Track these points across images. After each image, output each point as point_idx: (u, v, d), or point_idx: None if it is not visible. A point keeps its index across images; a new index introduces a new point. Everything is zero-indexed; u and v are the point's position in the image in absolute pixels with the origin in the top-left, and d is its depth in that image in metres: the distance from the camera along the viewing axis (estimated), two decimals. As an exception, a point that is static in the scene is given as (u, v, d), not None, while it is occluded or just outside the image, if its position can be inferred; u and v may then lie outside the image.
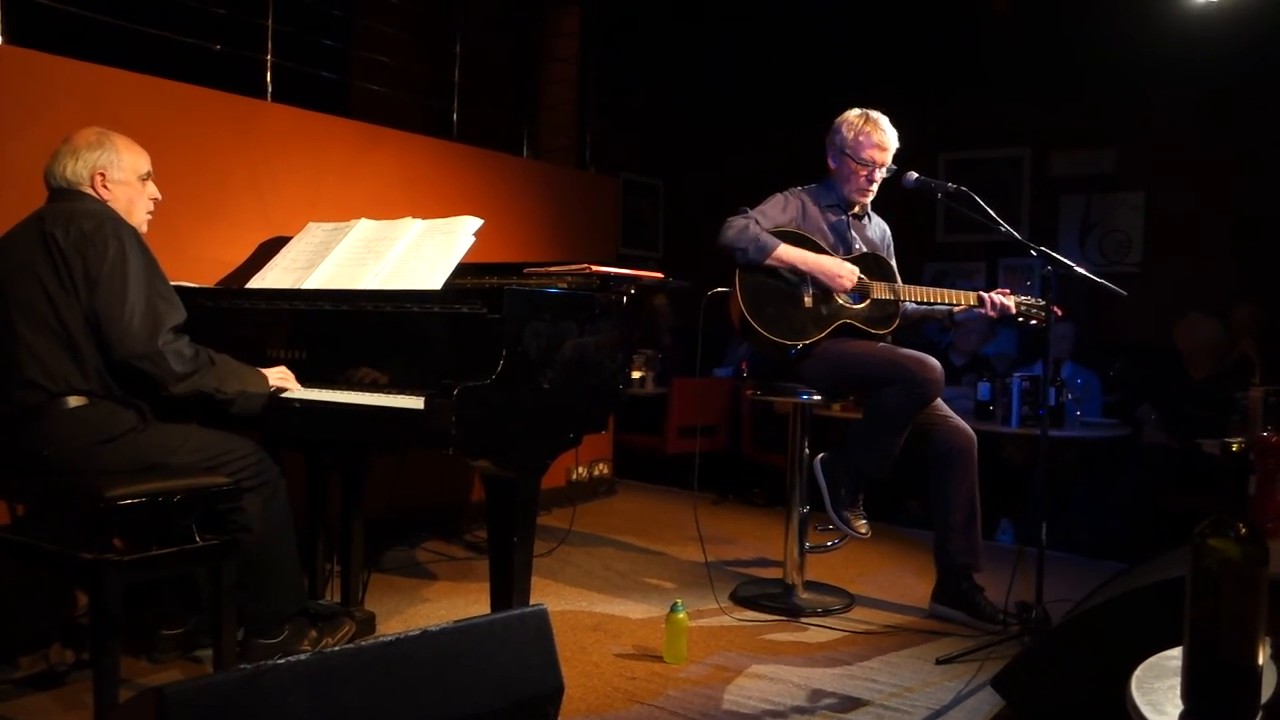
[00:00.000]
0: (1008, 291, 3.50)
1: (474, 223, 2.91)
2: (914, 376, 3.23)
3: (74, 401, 2.45)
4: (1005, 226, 3.24)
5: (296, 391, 2.66)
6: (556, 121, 5.65)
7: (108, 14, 3.42)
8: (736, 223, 3.34)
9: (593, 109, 5.64)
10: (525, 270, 3.05)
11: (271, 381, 2.63)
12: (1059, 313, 3.29)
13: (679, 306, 6.69)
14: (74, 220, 2.45)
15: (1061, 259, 3.15)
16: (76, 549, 2.30)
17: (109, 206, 2.58)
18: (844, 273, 3.36)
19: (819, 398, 3.45)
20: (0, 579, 2.54)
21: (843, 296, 3.41)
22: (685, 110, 7.88)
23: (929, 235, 7.21)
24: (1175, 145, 6.37)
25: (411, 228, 3.01)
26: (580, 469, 5.23)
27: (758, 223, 3.34)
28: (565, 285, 2.86)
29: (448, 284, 2.74)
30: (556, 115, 5.63)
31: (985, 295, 3.47)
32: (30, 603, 2.83)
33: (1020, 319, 3.49)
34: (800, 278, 3.36)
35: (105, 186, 2.59)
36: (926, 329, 3.72)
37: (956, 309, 3.54)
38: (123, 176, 2.62)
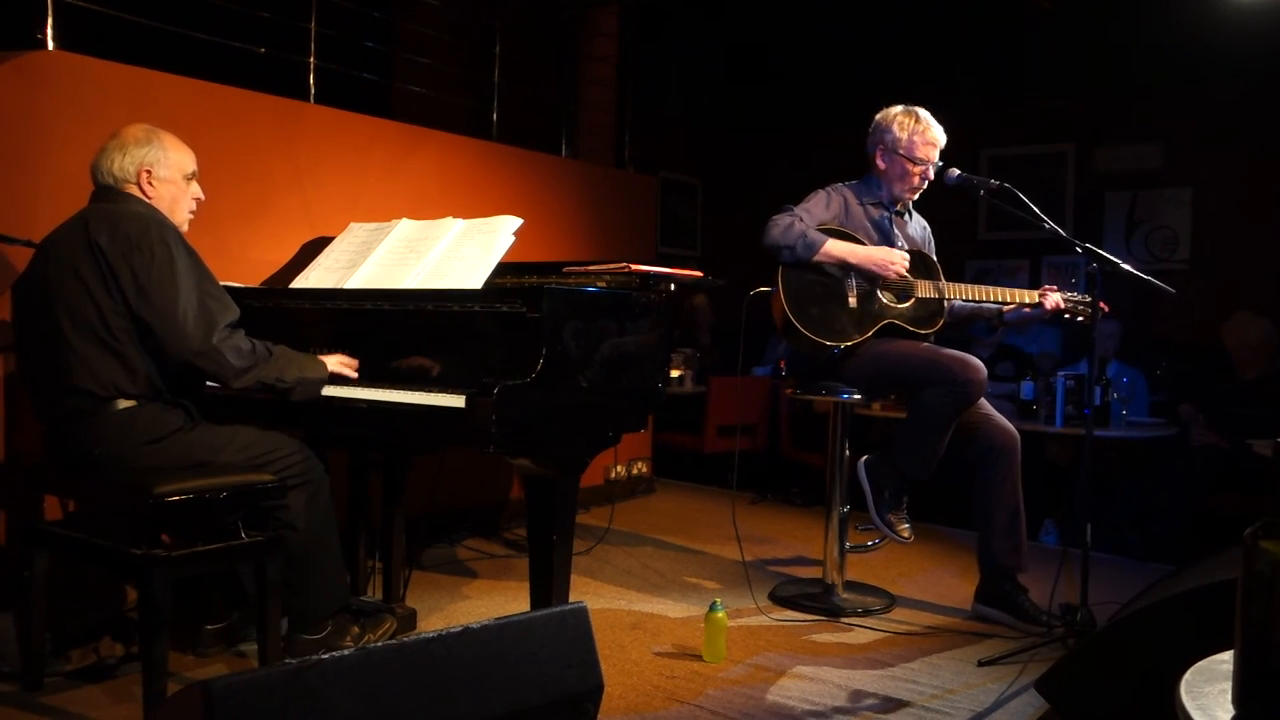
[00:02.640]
0: (1054, 288, 3.45)
1: (514, 222, 2.92)
2: (956, 377, 3.19)
3: (122, 404, 2.49)
4: (1049, 223, 3.20)
5: (341, 389, 2.69)
6: (595, 121, 5.65)
7: (155, 19, 3.47)
8: (782, 220, 3.32)
9: (631, 108, 5.64)
10: (565, 269, 3.05)
11: (331, 368, 2.66)
12: (1105, 308, 3.23)
13: (718, 305, 6.68)
14: (118, 225, 2.48)
15: (1107, 256, 3.10)
16: (126, 544, 2.35)
17: (152, 207, 2.61)
18: (895, 259, 3.32)
19: (859, 397, 3.42)
20: (52, 574, 2.59)
21: (887, 295, 3.38)
22: (723, 109, 7.86)
23: (971, 232, 7.14)
24: (1224, 140, 6.25)
25: (452, 227, 3.03)
26: (619, 468, 5.23)
27: (803, 220, 3.32)
28: (604, 284, 2.87)
29: (488, 283, 2.76)
30: (595, 115, 5.64)
31: (1040, 293, 3.41)
32: (81, 597, 2.89)
33: (1066, 315, 3.44)
34: (844, 276, 3.33)
35: (150, 184, 2.62)
36: (972, 328, 3.66)
37: (1006, 308, 3.49)
38: (168, 174, 2.65)
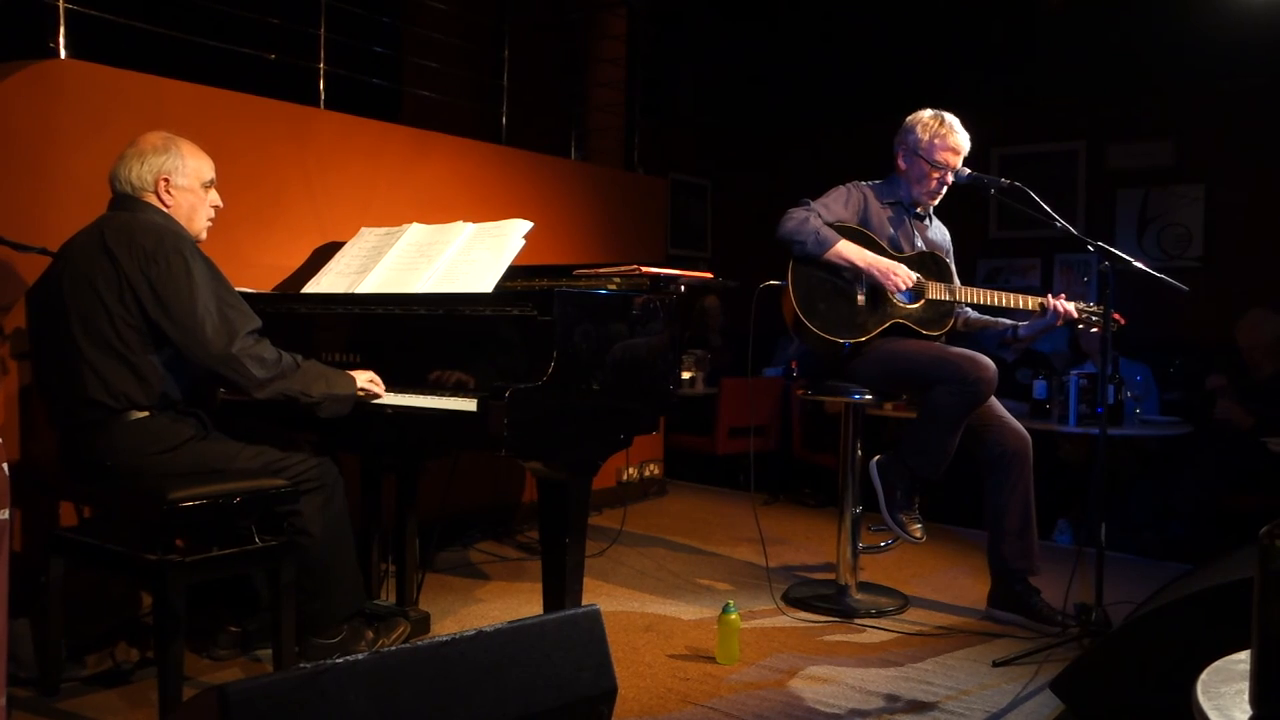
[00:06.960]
0: (1064, 297, 3.42)
1: (524, 225, 2.93)
2: (966, 375, 3.18)
3: (135, 415, 2.50)
4: (1061, 222, 3.18)
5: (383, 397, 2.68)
6: (604, 123, 5.66)
7: (166, 26, 3.49)
8: (797, 214, 3.32)
9: (640, 110, 5.65)
10: (575, 272, 3.06)
11: (360, 384, 2.63)
12: (1121, 320, 3.21)
13: (728, 306, 6.67)
14: (134, 237, 2.48)
15: (1120, 254, 3.09)
16: (141, 550, 2.36)
17: (169, 217, 2.62)
18: (900, 273, 3.31)
19: (870, 397, 3.42)
20: (68, 579, 2.60)
21: (896, 295, 3.38)
22: (732, 110, 7.86)
23: (982, 231, 7.12)
24: (1237, 136, 6.22)
25: (462, 231, 3.04)
26: (631, 470, 5.23)
27: (819, 215, 3.32)
28: (615, 286, 2.87)
29: (499, 287, 2.77)
30: (604, 117, 5.65)
31: (1050, 302, 3.38)
32: (97, 602, 2.90)
33: (1081, 325, 3.43)
34: (855, 275, 3.33)
35: (168, 192, 2.63)
36: (983, 338, 3.62)
37: (1021, 325, 3.47)
38: (186, 183, 2.66)
